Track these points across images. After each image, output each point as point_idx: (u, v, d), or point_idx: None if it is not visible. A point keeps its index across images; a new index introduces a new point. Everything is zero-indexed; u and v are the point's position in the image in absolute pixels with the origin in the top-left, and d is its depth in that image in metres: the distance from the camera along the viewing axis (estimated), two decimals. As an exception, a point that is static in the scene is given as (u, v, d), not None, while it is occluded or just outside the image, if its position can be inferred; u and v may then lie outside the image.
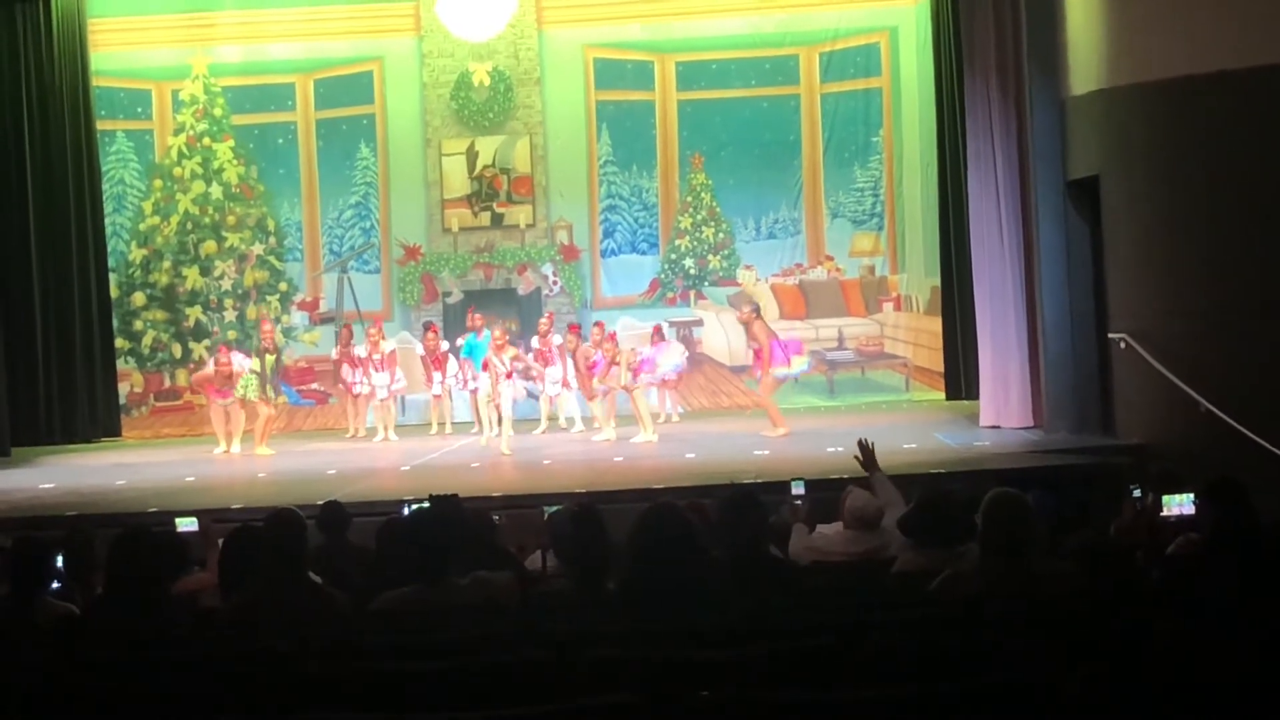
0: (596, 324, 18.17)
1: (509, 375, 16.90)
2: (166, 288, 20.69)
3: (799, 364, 17.17)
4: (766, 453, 14.98)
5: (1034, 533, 6.32)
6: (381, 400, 18.55)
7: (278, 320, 20.08)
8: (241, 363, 17.55)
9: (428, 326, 19.21)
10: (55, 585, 7.16)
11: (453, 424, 18.83)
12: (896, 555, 7.35)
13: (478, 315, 18.81)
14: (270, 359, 17.61)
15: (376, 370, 18.46)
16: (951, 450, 14.67)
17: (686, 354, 18.74)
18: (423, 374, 18.97)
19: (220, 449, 17.65)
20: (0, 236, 19.07)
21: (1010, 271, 15.52)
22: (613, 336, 17.60)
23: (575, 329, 18.66)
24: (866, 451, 8.77)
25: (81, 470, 16.81)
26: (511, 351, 17.08)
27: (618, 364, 16.99)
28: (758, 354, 16.96)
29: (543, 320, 18.70)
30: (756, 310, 17.36)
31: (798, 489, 9.39)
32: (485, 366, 17.19)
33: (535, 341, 18.28)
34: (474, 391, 17.96)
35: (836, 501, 8.52)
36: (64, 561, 7.52)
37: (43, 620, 6.44)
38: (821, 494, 9.67)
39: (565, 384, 18.33)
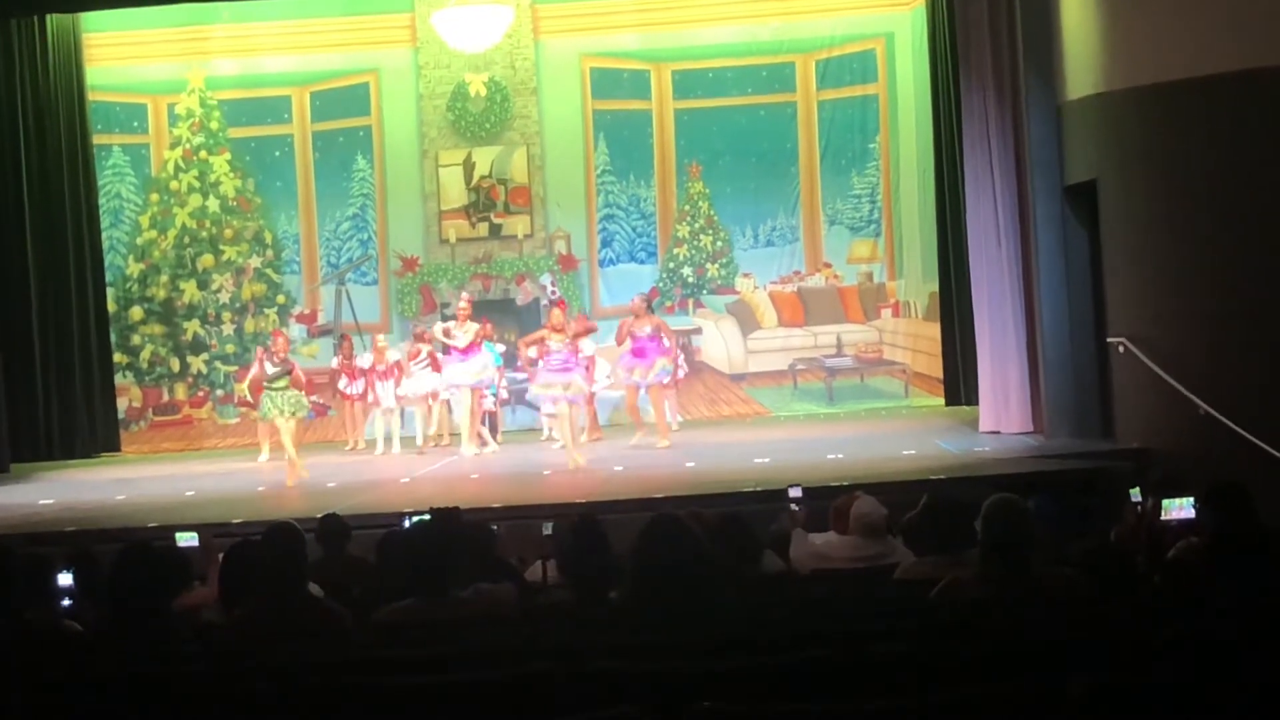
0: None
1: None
2: (164, 301, 20.69)
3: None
4: (767, 461, 14.96)
5: (1034, 538, 6.31)
6: (387, 410, 18.49)
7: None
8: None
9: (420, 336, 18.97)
10: (66, 603, 7.16)
11: (452, 434, 18.78)
12: (899, 562, 7.36)
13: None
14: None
15: (381, 380, 18.42)
16: (951, 456, 14.66)
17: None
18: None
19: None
20: (-3, 251, 19.08)
21: (1008, 277, 15.52)
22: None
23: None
24: None
25: (81, 486, 16.79)
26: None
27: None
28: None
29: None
30: (648, 304, 17.29)
31: (795, 493, 9.34)
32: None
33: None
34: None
35: (830, 510, 8.55)
36: (72, 578, 7.52)
37: (48, 638, 6.43)
38: (820, 501, 9.65)
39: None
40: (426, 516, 7.33)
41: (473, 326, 17.30)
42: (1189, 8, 13.22)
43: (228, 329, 20.68)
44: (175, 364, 20.69)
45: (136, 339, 20.68)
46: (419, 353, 18.17)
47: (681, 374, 18.91)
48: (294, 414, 15.99)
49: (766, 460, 15.01)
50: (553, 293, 20.46)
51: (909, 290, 20.40)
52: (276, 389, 15.94)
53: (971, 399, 17.40)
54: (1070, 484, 12.18)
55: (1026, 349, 15.45)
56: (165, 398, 20.79)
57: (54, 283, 19.48)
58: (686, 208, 20.70)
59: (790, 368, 20.56)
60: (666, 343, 17.28)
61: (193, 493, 15.35)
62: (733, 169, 20.61)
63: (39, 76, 19.47)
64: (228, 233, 20.72)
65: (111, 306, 20.37)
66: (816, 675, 4.88)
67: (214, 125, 20.70)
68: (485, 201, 20.70)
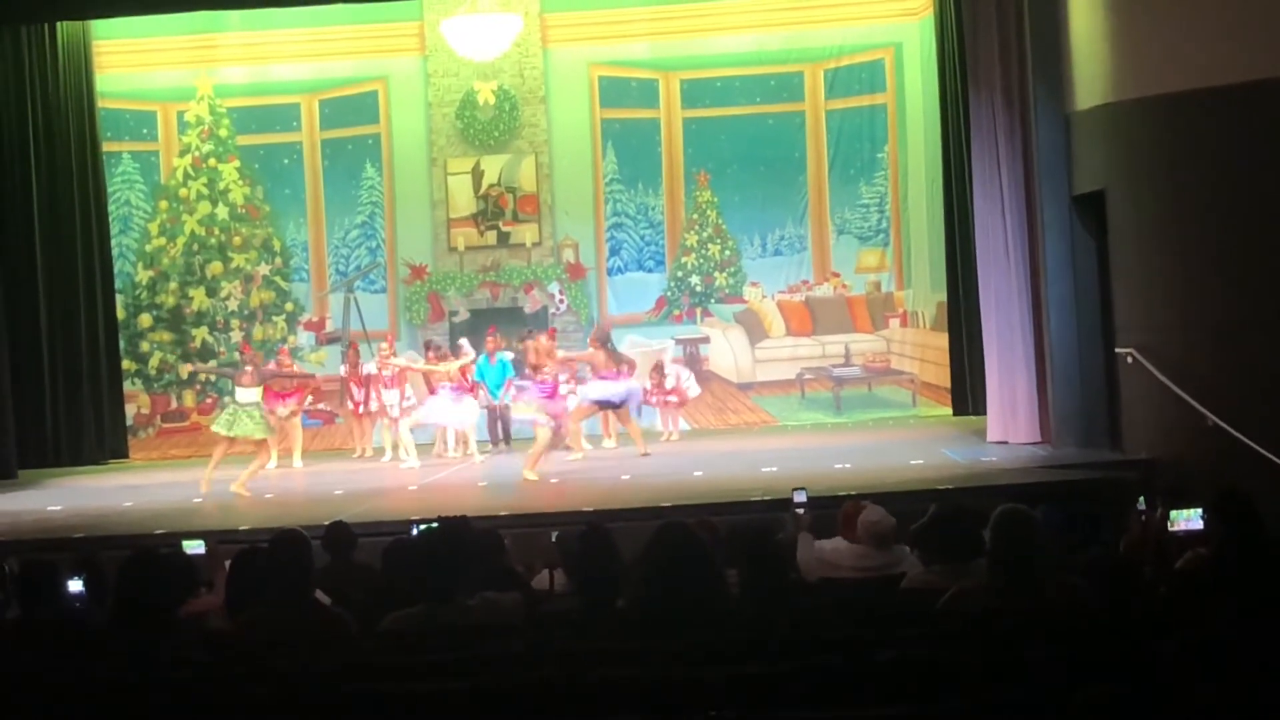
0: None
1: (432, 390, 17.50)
2: (173, 309, 20.72)
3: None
4: (774, 470, 14.95)
5: (1042, 548, 6.30)
6: (392, 419, 18.45)
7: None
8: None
9: (428, 346, 18.94)
10: (77, 607, 7.18)
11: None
12: (907, 571, 7.34)
13: (498, 336, 18.66)
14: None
15: (386, 388, 18.41)
16: (959, 466, 14.64)
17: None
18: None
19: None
20: (7, 258, 19.05)
21: (1016, 287, 15.49)
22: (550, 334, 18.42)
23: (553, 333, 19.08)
24: None
25: (89, 492, 16.78)
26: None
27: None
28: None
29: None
30: (605, 341, 17.24)
31: (800, 498, 9.32)
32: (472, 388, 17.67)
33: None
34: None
35: (839, 516, 8.55)
36: (83, 584, 7.53)
37: (55, 642, 6.43)
38: (826, 510, 9.64)
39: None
40: (435, 524, 7.32)
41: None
42: (1197, 18, 13.20)
43: (236, 336, 20.70)
44: (184, 371, 20.71)
45: (145, 346, 20.71)
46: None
47: (693, 393, 19.18)
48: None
49: (774, 469, 14.99)
50: (560, 301, 20.51)
51: (917, 300, 20.40)
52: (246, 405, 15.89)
53: (979, 409, 17.38)
54: (1078, 494, 12.19)
55: (1034, 359, 15.42)
56: (173, 405, 20.82)
57: (63, 289, 19.50)
58: (695, 216, 20.71)
59: (798, 377, 20.57)
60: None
61: (200, 499, 15.34)
62: (741, 178, 20.62)
63: (49, 83, 19.50)
64: (236, 240, 20.75)
65: (120, 313, 20.40)
66: (823, 683, 4.88)
67: (223, 133, 20.75)
68: (494, 210, 20.73)
